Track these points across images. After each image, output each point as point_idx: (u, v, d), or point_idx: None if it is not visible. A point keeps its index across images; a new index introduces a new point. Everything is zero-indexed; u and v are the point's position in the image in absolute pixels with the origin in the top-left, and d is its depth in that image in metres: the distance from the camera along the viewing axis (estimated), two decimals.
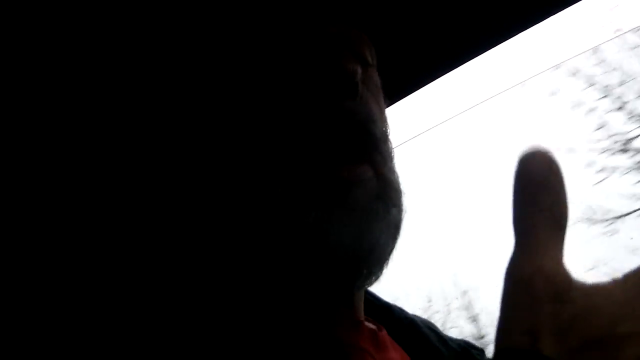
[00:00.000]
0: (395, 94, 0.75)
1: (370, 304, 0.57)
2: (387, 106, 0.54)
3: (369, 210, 0.44)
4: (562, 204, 0.32)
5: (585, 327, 0.29)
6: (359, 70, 0.45)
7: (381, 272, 0.45)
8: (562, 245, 0.31)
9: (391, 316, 0.57)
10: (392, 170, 0.47)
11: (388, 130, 0.49)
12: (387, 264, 0.45)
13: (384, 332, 0.51)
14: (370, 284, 0.46)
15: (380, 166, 0.46)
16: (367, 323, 0.50)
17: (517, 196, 0.32)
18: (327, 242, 0.42)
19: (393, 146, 0.50)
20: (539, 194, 0.32)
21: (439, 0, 0.70)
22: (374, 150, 0.46)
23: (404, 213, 0.46)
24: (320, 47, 0.46)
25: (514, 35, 0.75)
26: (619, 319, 0.29)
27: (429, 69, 0.77)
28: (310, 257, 0.43)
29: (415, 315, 0.59)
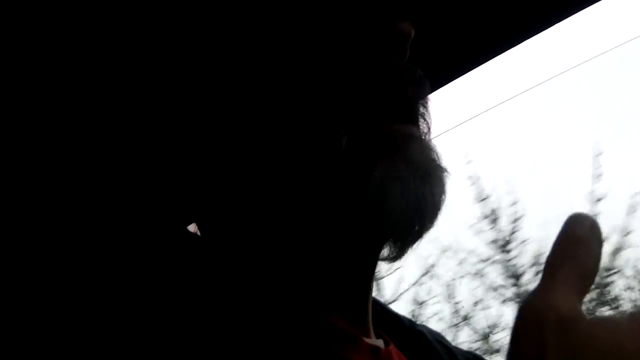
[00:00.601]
0: None
1: (379, 314, 0.56)
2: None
3: (425, 166, 0.45)
4: (593, 256, 0.34)
5: (589, 355, 0.30)
6: (411, 31, 0.47)
7: (431, 229, 0.46)
8: (583, 293, 0.33)
9: (400, 327, 0.56)
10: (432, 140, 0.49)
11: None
12: (436, 223, 0.46)
13: (391, 348, 0.51)
14: (419, 240, 0.47)
15: (425, 130, 0.48)
16: (368, 340, 0.49)
17: (553, 248, 0.34)
18: (393, 197, 0.43)
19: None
20: (572, 246, 0.34)
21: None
22: (421, 110, 0.48)
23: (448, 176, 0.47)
24: (378, 10, 0.48)
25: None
26: (623, 349, 0.30)
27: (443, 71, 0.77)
28: (373, 212, 0.43)
29: (424, 326, 0.59)
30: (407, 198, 0.44)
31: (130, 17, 0.51)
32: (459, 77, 0.79)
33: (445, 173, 0.47)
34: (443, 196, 0.46)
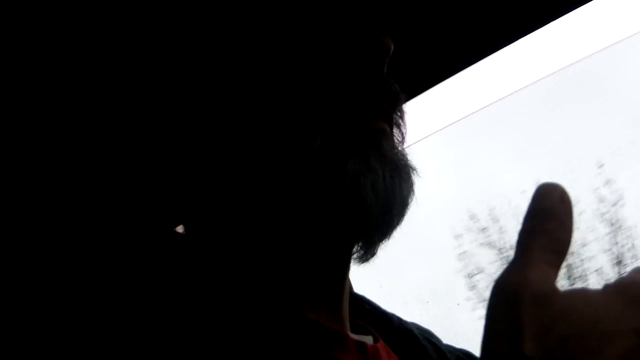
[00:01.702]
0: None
1: (368, 313, 0.56)
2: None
3: (396, 161, 0.46)
4: (566, 230, 0.34)
5: (564, 327, 0.30)
6: (392, 47, 0.48)
7: (399, 224, 0.47)
8: (557, 267, 0.33)
9: (389, 325, 0.57)
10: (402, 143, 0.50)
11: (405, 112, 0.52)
12: (404, 219, 0.47)
13: (380, 344, 0.51)
14: (389, 237, 0.47)
15: (398, 128, 0.49)
16: (356, 337, 0.49)
17: (524, 222, 0.34)
18: (364, 189, 0.44)
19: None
20: (544, 219, 0.33)
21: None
22: (394, 112, 0.49)
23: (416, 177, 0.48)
24: (360, 21, 0.49)
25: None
26: (598, 318, 0.30)
27: (432, 72, 0.77)
28: (345, 203, 0.44)
29: (413, 324, 0.59)
30: (378, 191, 0.44)
31: (118, 22, 0.52)
32: (444, 79, 0.79)
33: (414, 171, 0.48)
34: (411, 193, 0.47)
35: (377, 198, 0.44)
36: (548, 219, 0.33)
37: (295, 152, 0.45)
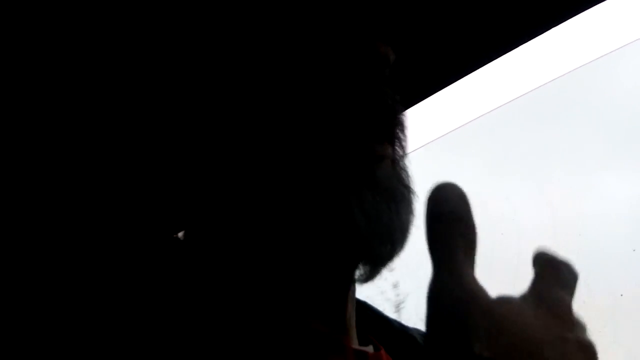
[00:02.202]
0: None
1: (370, 319, 0.56)
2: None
3: (393, 188, 0.46)
4: (472, 229, 0.36)
5: (510, 334, 0.32)
6: (392, 57, 0.48)
7: (400, 250, 0.47)
8: (474, 265, 0.35)
9: (391, 331, 0.56)
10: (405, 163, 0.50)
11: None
12: (403, 247, 0.47)
13: (381, 353, 0.51)
14: (389, 262, 0.48)
15: (399, 151, 0.49)
16: (357, 346, 0.49)
17: (433, 224, 0.36)
18: (359, 219, 0.44)
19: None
20: (454, 222, 0.35)
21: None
22: (395, 134, 0.49)
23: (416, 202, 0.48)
24: (356, 32, 0.48)
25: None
26: (532, 327, 0.33)
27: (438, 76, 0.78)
28: (343, 233, 0.45)
29: (416, 330, 0.58)
30: (370, 217, 0.44)
31: (129, 19, 0.52)
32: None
33: (413, 195, 0.48)
34: (411, 218, 0.47)
35: (369, 224, 0.44)
36: (456, 221, 0.35)
37: (304, 170, 0.45)
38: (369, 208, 0.44)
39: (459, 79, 0.80)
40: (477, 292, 0.33)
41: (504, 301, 0.34)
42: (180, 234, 0.55)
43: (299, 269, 0.47)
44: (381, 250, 0.45)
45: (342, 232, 0.44)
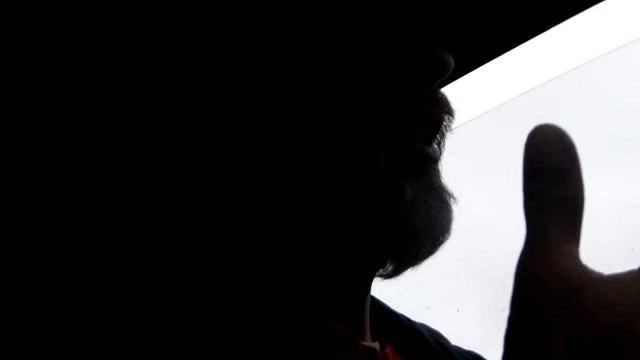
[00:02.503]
0: None
1: (378, 315, 0.56)
2: None
3: (443, 191, 0.46)
4: (578, 190, 0.29)
5: (597, 325, 0.26)
6: (452, 63, 0.47)
7: (435, 252, 0.46)
8: (578, 237, 0.29)
9: (399, 327, 0.56)
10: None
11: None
12: (442, 245, 0.46)
13: (387, 350, 0.50)
14: (422, 262, 0.47)
15: (441, 149, 0.48)
16: (364, 342, 0.49)
17: (528, 183, 0.29)
18: (419, 219, 0.43)
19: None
20: (552, 180, 0.28)
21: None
22: (442, 135, 0.48)
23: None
24: (419, 35, 0.48)
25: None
26: (633, 316, 0.26)
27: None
28: (398, 229, 0.43)
29: (424, 326, 0.59)
30: (430, 223, 0.44)
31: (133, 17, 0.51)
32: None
33: (454, 199, 0.47)
34: (451, 217, 0.46)
35: (428, 229, 0.44)
36: (554, 179, 0.28)
37: (359, 168, 0.44)
38: (423, 208, 0.43)
39: (451, 81, 0.80)
40: (568, 271, 0.27)
41: (611, 282, 0.27)
42: (190, 229, 0.54)
43: (321, 263, 0.47)
44: (419, 246, 0.44)
45: (392, 228, 0.43)
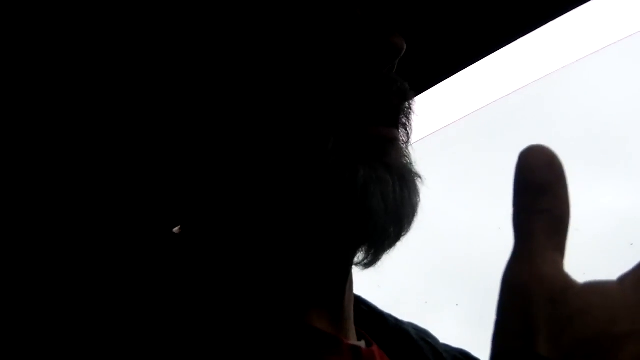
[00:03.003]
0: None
1: (364, 314, 0.56)
2: None
3: (404, 170, 0.46)
4: (564, 205, 0.31)
5: (580, 328, 0.28)
6: (404, 46, 0.47)
7: (407, 233, 0.46)
8: (562, 248, 0.30)
9: (385, 326, 0.56)
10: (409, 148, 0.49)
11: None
12: (409, 229, 0.46)
13: (374, 348, 0.50)
14: (395, 244, 0.47)
15: (405, 138, 0.48)
16: (351, 341, 0.49)
17: (517, 197, 0.31)
18: (374, 198, 0.43)
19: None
20: (539, 195, 0.30)
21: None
22: (404, 119, 0.48)
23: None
24: (372, 20, 0.48)
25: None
26: (615, 318, 0.28)
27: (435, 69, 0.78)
28: (354, 212, 0.43)
29: (411, 324, 0.59)
30: (387, 200, 0.44)
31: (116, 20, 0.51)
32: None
33: (419, 179, 0.47)
34: (418, 201, 0.46)
35: (387, 207, 0.44)
36: (541, 193, 0.30)
37: (306, 153, 0.44)
38: (378, 186, 0.44)
39: (425, 90, 0.80)
40: (551, 277, 0.29)
41: (591, 289, 0.29)
42: (177, 230, 0.54)
43: (298, 255, 0.47)
44: (383, 225, 0.44)
45: (348, 210, 0.44)
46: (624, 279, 0.30)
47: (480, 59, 0.77)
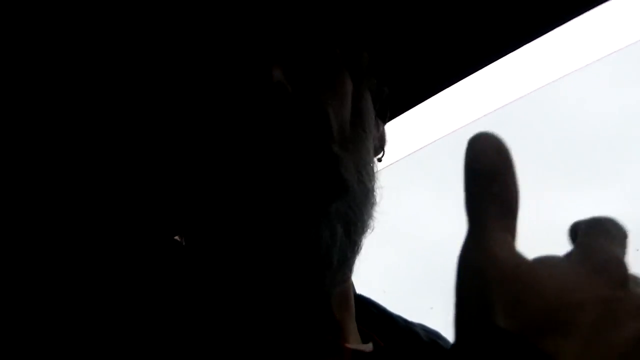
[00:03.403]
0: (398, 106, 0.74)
1: (374, 316, 0.56)
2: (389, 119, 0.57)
3: (357, 192, 0.47)
4: (512, 189, 0.32)
5: (533, 300, 0.29)
6: (281, 76, 0.46)
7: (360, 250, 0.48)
8: (513, 229, 0.31)
9: (395, 328, 0.56)
10: (354, 170, 0.48)
11: (358, 130, 0.51)
12: (351, 266, 0.48)
13: (379, 350, 0.51)
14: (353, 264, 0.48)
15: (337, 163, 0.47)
16: (351, 346, 0.49)
17: (467, 183, 0.32)
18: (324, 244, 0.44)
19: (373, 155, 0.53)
20: (488, 180, 0.32)
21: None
22: (326, 145, 0.47)
23: (365, 215, 0.48)
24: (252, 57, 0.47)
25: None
26: (565, 289, 0.29)
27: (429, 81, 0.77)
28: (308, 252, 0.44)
29: (421, 325, 0.59)
30: (335, 243, 0.45)
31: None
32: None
33: (375, 197, 0.49)
34: (372, 219, 0.48)
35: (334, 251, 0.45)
36: (490, 180, 0.31)
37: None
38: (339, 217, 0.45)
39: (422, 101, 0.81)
40: (503, 256, 0.30)
41: (541, 264, 0.31)
42: (178, 237, 0.55)
43: (278, 272, 0.46)
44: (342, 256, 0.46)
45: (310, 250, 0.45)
46: (571, 252, 0.32)
47: (478, 70, 0.77)
